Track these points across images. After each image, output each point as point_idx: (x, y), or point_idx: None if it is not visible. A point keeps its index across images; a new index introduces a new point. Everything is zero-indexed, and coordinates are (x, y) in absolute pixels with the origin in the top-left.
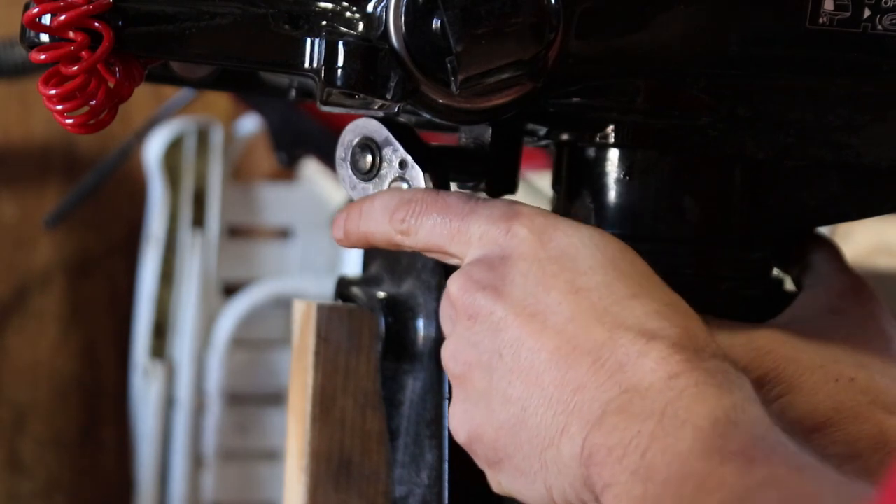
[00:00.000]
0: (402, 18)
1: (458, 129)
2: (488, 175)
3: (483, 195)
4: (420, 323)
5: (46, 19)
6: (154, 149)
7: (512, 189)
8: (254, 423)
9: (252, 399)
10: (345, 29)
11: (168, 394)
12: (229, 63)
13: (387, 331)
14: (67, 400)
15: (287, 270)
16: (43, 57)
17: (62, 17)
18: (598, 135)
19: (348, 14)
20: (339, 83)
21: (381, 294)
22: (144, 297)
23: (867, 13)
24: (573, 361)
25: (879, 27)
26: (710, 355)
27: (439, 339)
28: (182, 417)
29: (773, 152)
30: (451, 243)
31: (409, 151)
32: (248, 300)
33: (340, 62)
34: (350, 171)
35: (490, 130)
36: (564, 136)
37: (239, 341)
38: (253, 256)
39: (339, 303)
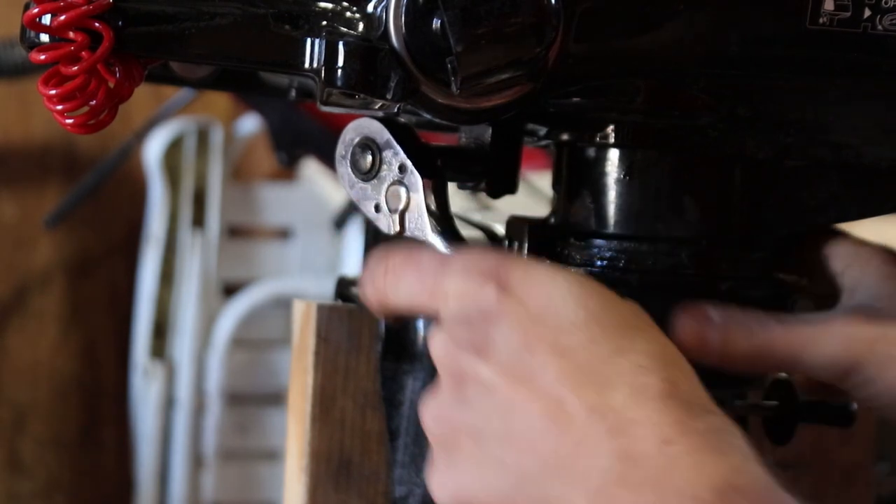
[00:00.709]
0: (402, 18)
1: (458, 129)
2: (488, 175)
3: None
4: (420, 323)
5: (46, 19)
6: (154, 149)
7: (512, 189)
8: (254, 423)
9: (252, 399)
10: (345, 29)
11: (168, 394)
12: (229, 63)
13: (387, 331)
14: (67, 400)
15: (287, 270)
16: (43, 57)
17: (62, 17)
18: (598, 135)
19: (348, 14)
20: (339, 83)
21: None
22: (144, 297)
23: (867, 13)
24: (566, 426)
25: (879, 27)
26: (701, 410)
27: None
28: (182, 417)
29: (773, 152)
30: (430, 301)
31: (409, 156)
32: (248, 300)
33: (340, 62)
34: (349, 170)
35: (490, 130)
36: (564, 136)
37: (239, 341)
38: (253, 256)
39: (339, 303)
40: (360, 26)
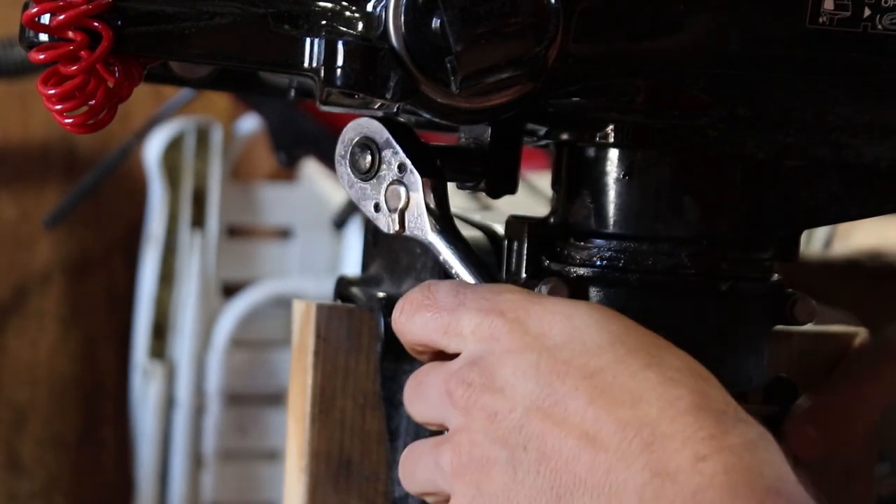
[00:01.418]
0: (402, 18)
1: (457, 129)
2: (488, 175)
3: (472, 281)
4: None
5: (45, 19)
6: (154, 149)
7: (512, 189)
8: (254, 424)
9: (252, 399)
10: (344, 28)
11: (168, 394)
12: (229, 63)
13: (386, 331)
14: (67, 400)
15: (287, 270)
16: (42, 56)
17: (61, 17)
18: (598, 135)
19: (348, 14)
20: (338, 83)
21: (381, 294)
22: (144, 297)
23: (867, 13)
24: (600, 444)
25: (879, 27)
26: (734, 420)
27: None
28: (182, 418)
29: (773, 152)
30: (444, 337)
31: (408, 156)
32: (247, 300)
33: (340, 62)
34: (349, 170)
35: (490, 130)
36: (564, 136)
37: (239, 341)
38: (253, 256)
39: (339, 303)
40: (360, 26)
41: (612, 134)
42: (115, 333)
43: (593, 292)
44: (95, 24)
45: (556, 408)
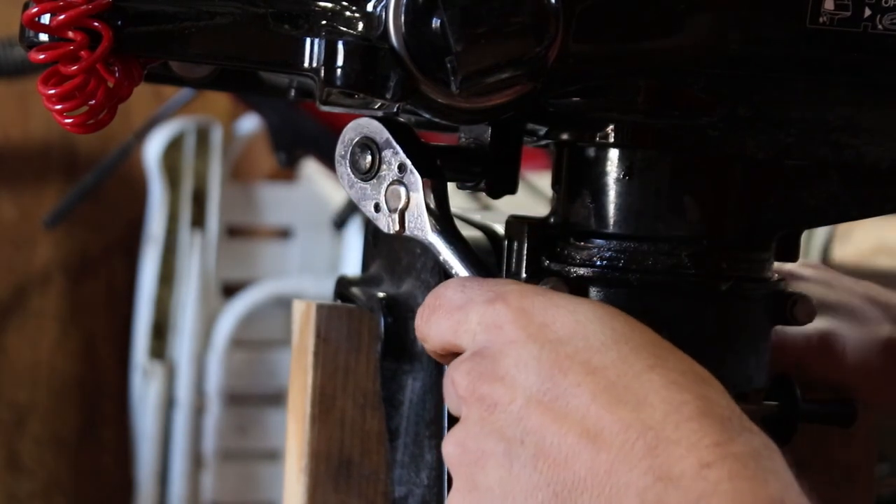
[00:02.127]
0: (402, 18)
1: (457, 129)
2: (488, 175)
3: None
4: None
5: (45, 19)
6: (154, 148)
7: (512, 189)
8: (253, 424)
9: (252, 399)
10: (344, 28)
11: (168, 394)
12: (229, 63)
13: (386, 331)
14: (67, 400)
15: (287, 270)
16: (42, 56)
17: (61, 17)
18: (598, 135)
19: (348, 14)
20: (338, 83)
21: (381, 294)
22: (144, 297)
23: (867, 13)
24: (602, 444)
25: (879, 27)
26: (739, 428)
27: None
28: (182, 418)
29: (773, 152)
30: (456, 336)
31: (408, 156)
32: (247, 300)
33: (340, 62)
34: (349, 170)
35: (490, 130)
36: (564, 136)
37: (239, 342)
38: (253, 256)
39: (339, 303)
40: (360, 26)
41: (613, 134)
42: (115, 333)
43: (593, 292)
44: (95, 24)
45: (557, 402)
